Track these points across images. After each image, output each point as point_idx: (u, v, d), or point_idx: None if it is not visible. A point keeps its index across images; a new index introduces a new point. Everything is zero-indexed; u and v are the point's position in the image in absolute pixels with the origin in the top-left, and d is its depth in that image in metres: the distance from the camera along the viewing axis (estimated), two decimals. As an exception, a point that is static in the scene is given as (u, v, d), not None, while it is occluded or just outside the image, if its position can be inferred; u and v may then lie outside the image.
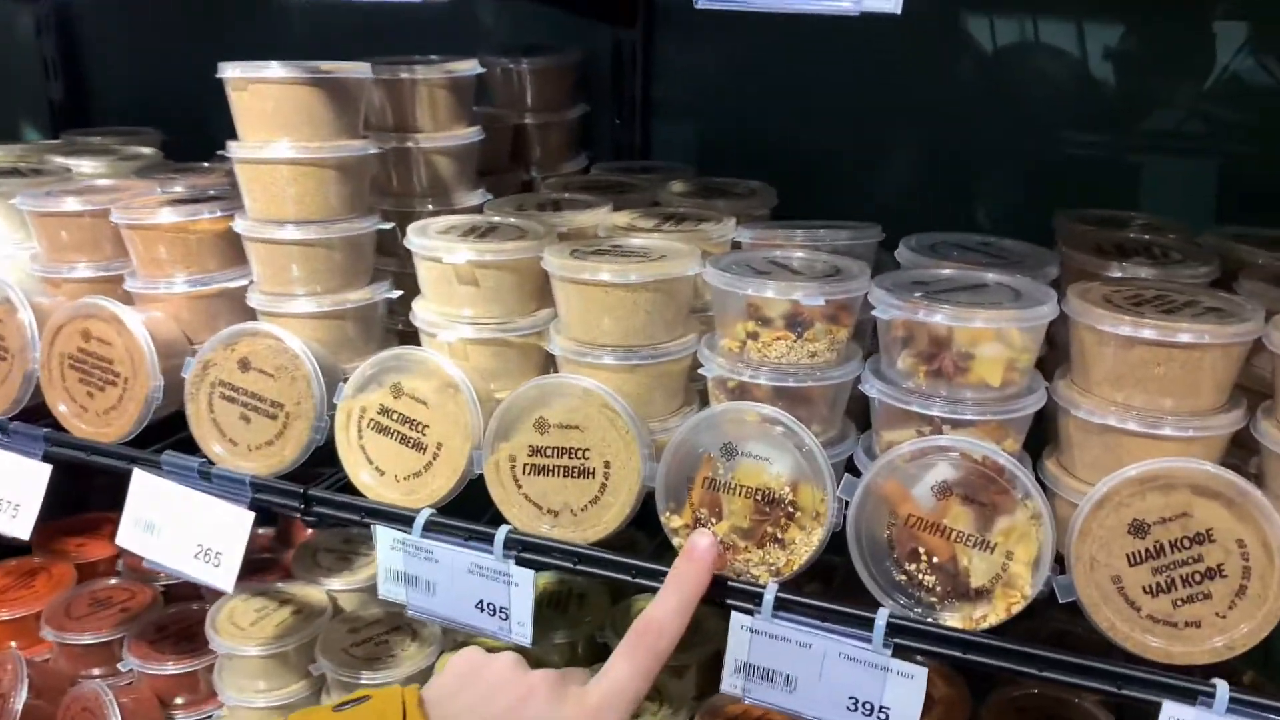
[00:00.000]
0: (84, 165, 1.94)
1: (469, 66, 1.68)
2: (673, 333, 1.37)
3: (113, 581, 2.16)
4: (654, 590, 1.22)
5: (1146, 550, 1.08)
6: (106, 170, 1.93)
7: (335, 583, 1.99)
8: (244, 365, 1.43)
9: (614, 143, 2.22)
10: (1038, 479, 1.24)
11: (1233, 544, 1.05)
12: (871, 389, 1.24)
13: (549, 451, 1.29)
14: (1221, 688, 1.02)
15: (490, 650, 1.15)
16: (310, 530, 2.29)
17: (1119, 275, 1.37)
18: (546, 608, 1.94)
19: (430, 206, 1.68)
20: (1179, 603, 1.07)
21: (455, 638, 1.88)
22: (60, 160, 1.95)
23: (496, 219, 1.54)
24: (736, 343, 1.30)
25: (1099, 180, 1.92)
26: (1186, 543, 1.07)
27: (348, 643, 1.82)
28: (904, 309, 1.19)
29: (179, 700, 1.94)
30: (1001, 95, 1.94)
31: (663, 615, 1.10)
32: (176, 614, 2.05)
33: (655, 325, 1.34)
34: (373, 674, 1.73)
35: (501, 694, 1.03)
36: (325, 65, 1.42)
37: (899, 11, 0.90)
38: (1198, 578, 1.06)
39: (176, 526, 1.46)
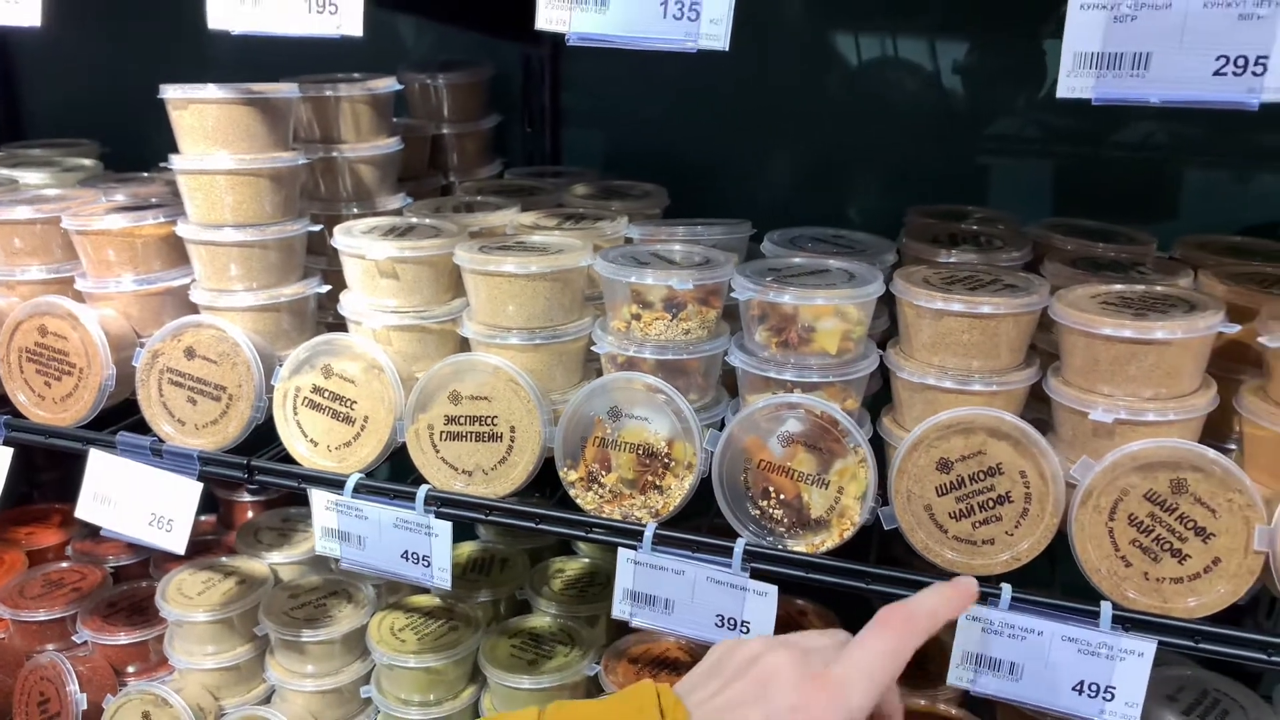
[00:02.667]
0: (29, 176, 2.08)
1: (388, 84, 1.87)
2: (570, 316, 1.58)
3: (64, 565, 2.30)
4: (557, 535, 1.44)
5: (951, 483, 1.32)
6: (51, 181, 2.08)
7: (276, 556, 2.16)
8: (189, 353, 1.61)
9: (526, 150, 2.43)
10: (877, 433, 1.49)
11: (1017, 475, 1.30)
12: (735, 359, 1.47)
13: (462, 420, 1.49)
14: (1006, 590, 1.27)
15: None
16: (250, 514, 2.46)
17: (946, 260, 1.62)
18: (471, 571, 2.15)
19: (355, 210, 1.86)
20: (977, 524, 1.32)
21: (388, 600, 2.07)
22: (5, 172, 2.09)
23: (414, 220, 1.74)
24: (623, 323, 1.52)
25: (952, 180, 2.18)
26: (982, 475, 1.31)
27: (288, 606, 2.00)
28: (757, 291, 1.42)
29: (131, 669, 2.09)
30: (866, 106, 2.19)
31: (917, 605, 1.07)
32: (126, 591, 2.20)
33: (554, 310, 1.55)
34: (313, 632, 1.91)
35: (745, 677, 1.02)
36: (257, 86, 1.61)
37: (727, 48, 1.13)
38: (991, 504, 1.31)
39: (131, 499, 1.63)
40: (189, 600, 2.00)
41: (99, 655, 2.08)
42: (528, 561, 2.17)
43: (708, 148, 2.32)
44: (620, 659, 1.86)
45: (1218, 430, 1.42)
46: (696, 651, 1.87)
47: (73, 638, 2.10)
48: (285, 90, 1.65)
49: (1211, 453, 1.23)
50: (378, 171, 1.90)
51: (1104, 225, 1.81)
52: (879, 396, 1.60)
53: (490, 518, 1.48)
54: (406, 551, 1.51)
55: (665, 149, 2.35)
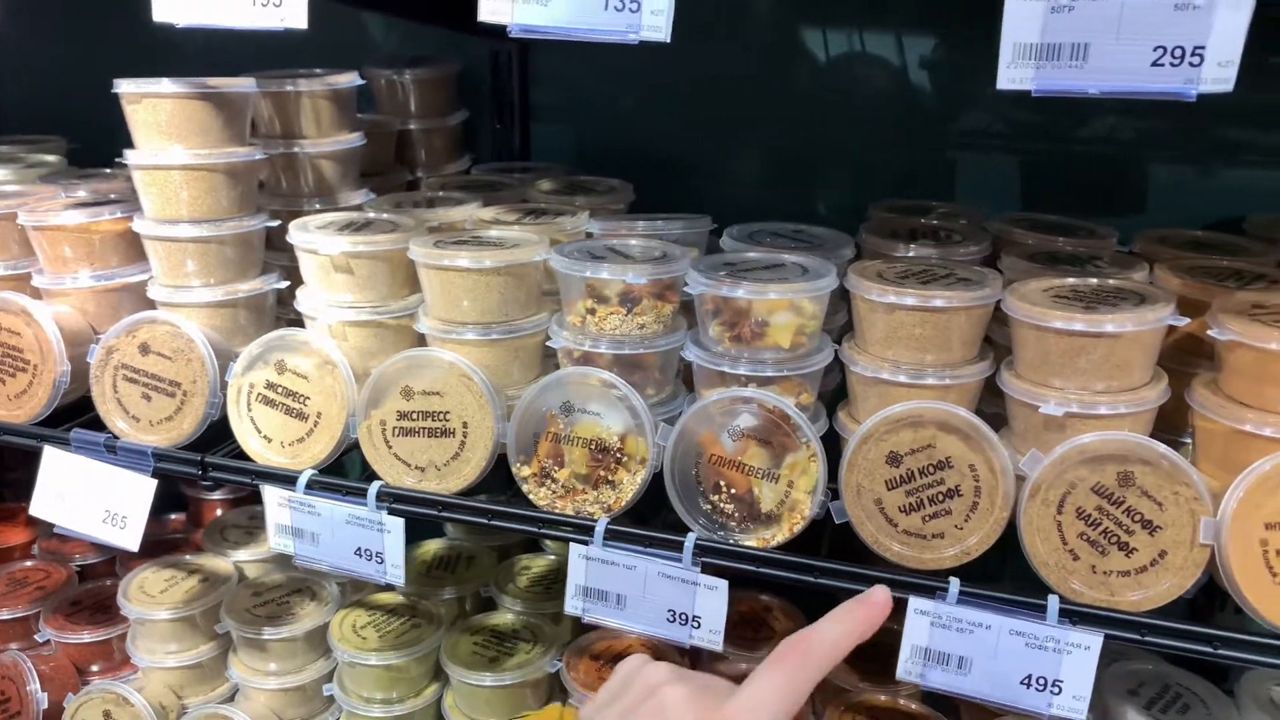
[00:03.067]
0: (-10, 172, 2.07)
1: (348, 79, 1.86)
2: (526, 311, 1.57)
3: (29, 563, 2.29)
4: (516, 533, 1.43)
5: (900, 476, 1.32)
6: (13, 177, 2.06)
7: (241, 554, 2.15)
8: (144, 350, 1.60)
9: (495, 145, 2.42)
10: (833, 427, 1.49)
11: (967, 468, 1.30)
12: (690, 354, 1.47)
13: (414, 415, 1.48)
14: (954, 584, 1.27)
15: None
16: (218, 511, 2.45)
17: (904, 255, 1.61)
18: (437, 568, 2.14)
19: (316, 205, 1.85)
20: (927, 518, 1.31)
21: (351, 597, 2.06)
22: (-33, 169, 2.08)
23: (372, 215, 1.73)
24: (578, 318, 1.51)
25: (920, 175, 2.18)
26: (931, 469, 1.31)
27: (251, 604, 1.99)
28: (710, 285, 1.41)
29: (94, 667, 2.08)
30: (835, 101, 2.19)
31: (817, 637, 1.00)
32: (91, 590, 2.19)
33: (509, 305, 1.54)
34: (275, 630, 1.90)
35: (641, 708, 0.99)
36: (212, 81, 1.60)
37: (669, 39, 1.12)
38: (940, 497, 1.31)
39: (86, 496, 1.62)
40: (151, 598, 1.98)
41: (61, 654, 2.07)
42: (495, 559, 2.16)
43: (677, 143, 2.31)
44: (582, 656, 1.85)
45: (1173, 424, 1.42)
46: (659, 648, 1.86)
47: (35, 636, 2.09)
48: (240, 85, 1.64)
49: (1160, 446, 1.22)
50: (339, 167, 1.89)
51: (1066, 220, 1.81)
52: (839, 392, 1.59)
53: (442, 514, 1.47)
54: (359, 548, 1.51)
55: (635, 144, 2.34)
